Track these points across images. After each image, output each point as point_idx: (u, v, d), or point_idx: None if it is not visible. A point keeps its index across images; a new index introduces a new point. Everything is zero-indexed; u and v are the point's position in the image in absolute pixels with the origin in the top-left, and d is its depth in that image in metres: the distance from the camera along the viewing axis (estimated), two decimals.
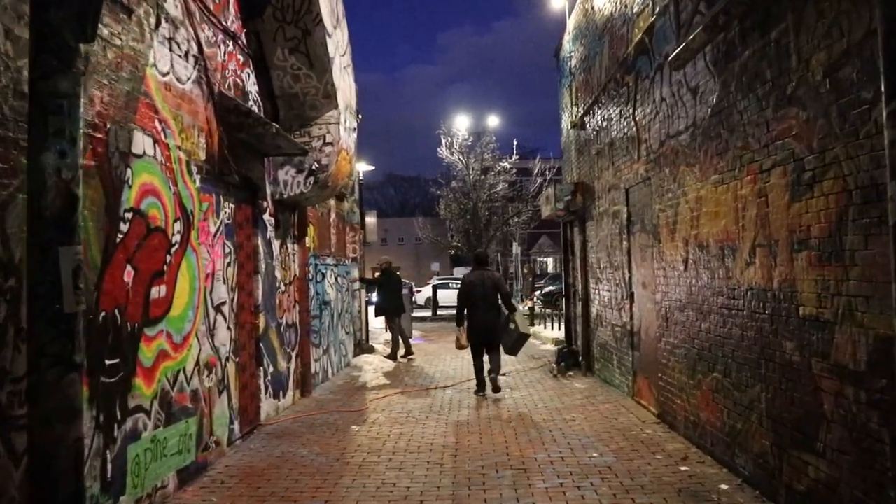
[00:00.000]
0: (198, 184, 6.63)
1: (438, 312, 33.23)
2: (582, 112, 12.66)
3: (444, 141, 36.20)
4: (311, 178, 9.30)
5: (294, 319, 10.41)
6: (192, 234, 6.45)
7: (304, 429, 8.57)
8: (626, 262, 9.78)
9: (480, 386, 10.64)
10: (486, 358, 10.75)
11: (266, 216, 9.05)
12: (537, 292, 34.02)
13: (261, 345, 8.68)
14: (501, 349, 10.87)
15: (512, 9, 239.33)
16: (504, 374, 12.48)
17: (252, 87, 8.63)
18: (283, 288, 9.79)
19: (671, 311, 7.72)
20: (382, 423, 8.83)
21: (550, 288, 36.90)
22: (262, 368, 8.69)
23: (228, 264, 7.64)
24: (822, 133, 4.46)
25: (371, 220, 22.08)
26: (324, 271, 12.50)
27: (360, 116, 16.31)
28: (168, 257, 5.89)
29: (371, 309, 18.27)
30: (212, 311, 6.97)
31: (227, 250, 7.57)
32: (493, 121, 37.61)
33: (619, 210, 10.14)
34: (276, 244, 9.47)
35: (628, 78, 9.36)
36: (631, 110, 9.28)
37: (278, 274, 9.55)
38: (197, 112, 6.68)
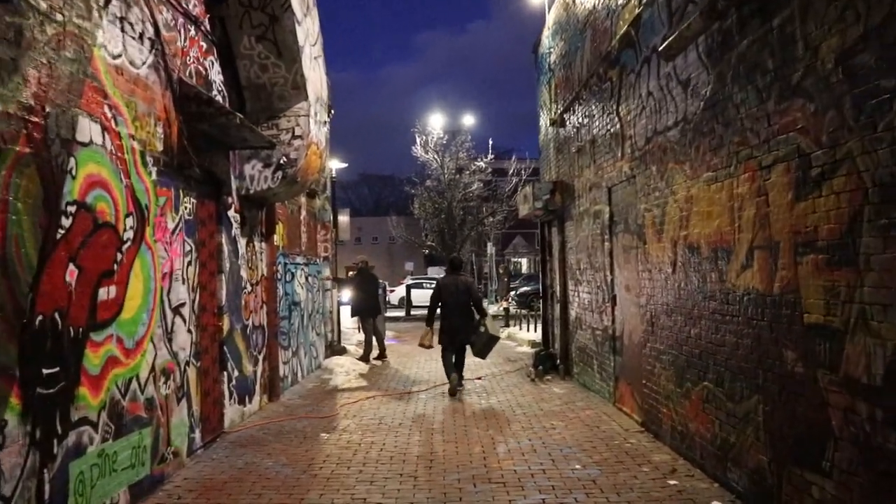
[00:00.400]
0: (154, 176, 6.15)
1: (412, 312, 32.77)
2: (562, 109, 12.31)
3: (418, 139, 35.78)
4: (279, 173, 8.83)
5: (261, 321, 9.93)
6: (148, 231, 5.97)
7: (270, 437, 8.10)
8: (607, 263, 9.43)
9: (452, 382, 10.81)
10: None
11: (231, 213, 8.57)
12: (512, 293, 33.69)
13: (225, 348, 8.21)
14: (469, 350, 11.23)
15: (486, 11, 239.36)
16: (480, 378, 12.13)
17: (216, 76, 8.14)
18: (249, 288, 9.31)
19: (657, 315, 7.37)
20: (353, 430, 8.39)
21: (525, 288, 36.63)
22: (226, 373, 8.22)
23: (189, 263, 7.16)
24: (833, 126, 4.11)
25: (344, 218, 21.56)
26: (293, 270, 12.02)
27: (332, 112, 15.86)
28: (119, 255, 5.41)
29: (344, 309, 17.81)
30: (169, 313, 6.49)
31: (187, 248, 7.09)
32: (468, 120, 37.25)
33: (600, 210, 9.79)
34: (241, 242, 8.99)
35: (612, 73, 9.01)
36: (614, 106, 8.92)
37: (244, 273, 9.08)
38: (153, 99, 6.19)
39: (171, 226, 6.54)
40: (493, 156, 37.34)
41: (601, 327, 9.86)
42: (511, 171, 37.39)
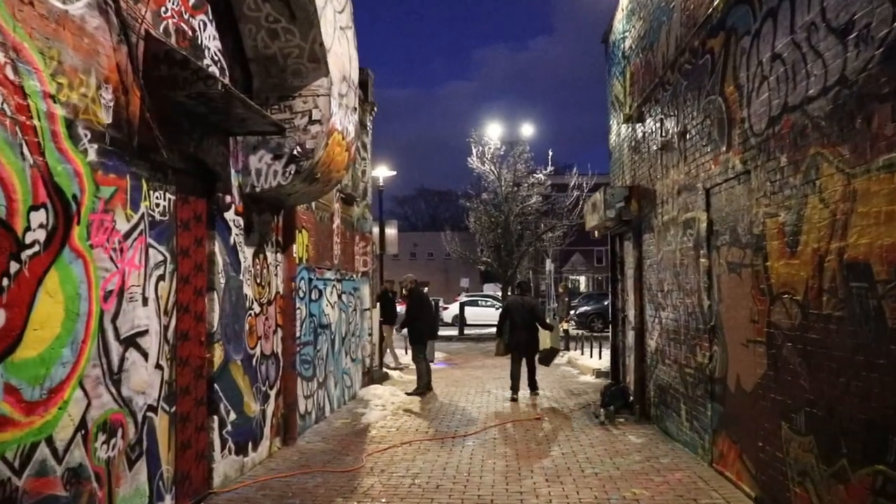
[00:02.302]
0: (92, 157, 4.45)
1: (466, 331, 30.90)
2: (640, 100, 10.36)
3: (474, 150, 33.96)
4: (292, 167, 7.11)
5: (274, 349, 8.21)
6: (77, 232, 4.25)
7: (270, 501, 6.34)
8: (703, 285, 7.44)
9: (514, 390, 12.13)
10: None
11: (230, 215, 6.88)
12: (571, 312, 31.55)
13: (216, 386, 6.49)
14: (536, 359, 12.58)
15: (549, 27, 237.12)
16: (539, 418, 10.22)
17: (210, 41, 6.46)
18: (257, 309, 7.60)
19: (788, 357, 5.36)
20: (377, 495, 6.55)
21: (585, 308, 34.53)
22: (216, 417, 6.49)
23: (159, 278, 5.45)
24: None
25: (392, 231, 19.95)
26: (321, 287, 10.29)
27: (375, 109, 14.19)
28: (13, 265, 3.69)
29: (381, 327, 15.91)
30: (117, 346, 4.76)
31: (156, 258, 5.39)
32: (527, 130, 35.27)
33: (694, 218, 7.81)
34: (246, 252, 7.29)
35: (712, 42, 7.07)
36: (716, 85, 6.97)
37: (249, 291, 7.36)
38: (95, 52, 4.51)
39: (122, 227, 4.83)
40: (552, 168, 35.33)
41: (693, 364, 7.85)
42: (572, 185, 35.25)
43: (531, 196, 34.11)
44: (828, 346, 4.74)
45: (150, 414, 5.24)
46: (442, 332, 31.26)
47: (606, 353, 16.52)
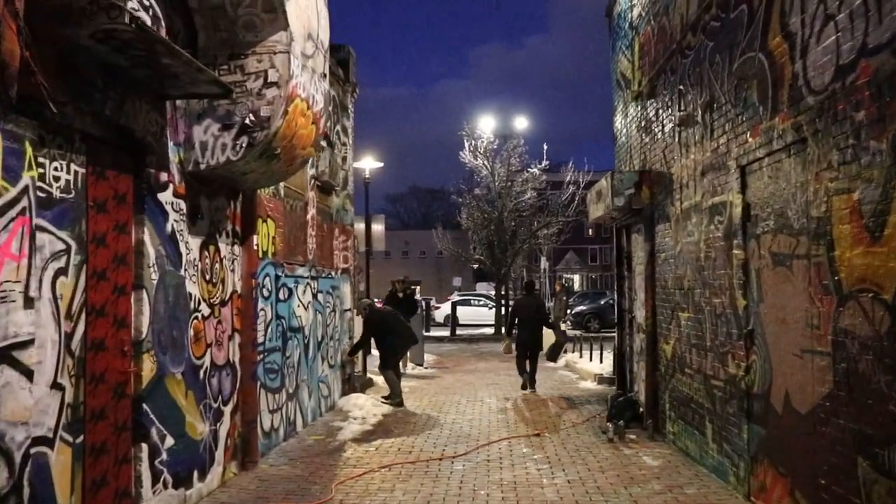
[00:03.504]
0: None
1: (458, 332, 29.68)
2: (652, 74, 9.18)
3: (467, 144, 32.67)
4: (244, 139, 5.87)
5: (230, 357, 6.98)
6: None
7: None
8: (737, 281, 6.24)
9: (523, 377, 12.82)
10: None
11: (167, 196, 5.64)
12: (568, 311, 30.35)
13: (145, 406, 5.25)
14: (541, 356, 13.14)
15: (544, 26, 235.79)
16: (539, 434, 9.02)
17: None
18: (205, 311, 6.37)
19: (868, 373, 4.16)
20: None
21: (581, 308, 33.38)
22: (145, 445, 5.25)
23: (59, 272, 4.23)
24: None
25: (379, 227, 18.65)
26: (291, 286, 9.06)
27: (356, 92, 12.96)
28: None
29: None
30: None
31: (52, 247, 4.16)
32: (521, 123, 34.02)
33: (723, 202, 6.62)
34: (190, 242, 6.06)
35: None
36: (755, 39, 5.78)
37: (195, 289, 6.13)
38: None
39: None
40: (547, 162, 34.09)
41: (722, 376, 6.65)
42: (568, 179, 33.99)
43: (525, 191, 32.86)
44: None
45: (38, 449, 4.00)
46: (434, 332, 30.13)
47: (608, 356, 15.36)
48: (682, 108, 7.90)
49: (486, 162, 32.62)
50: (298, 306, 9.33)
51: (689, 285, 7.72)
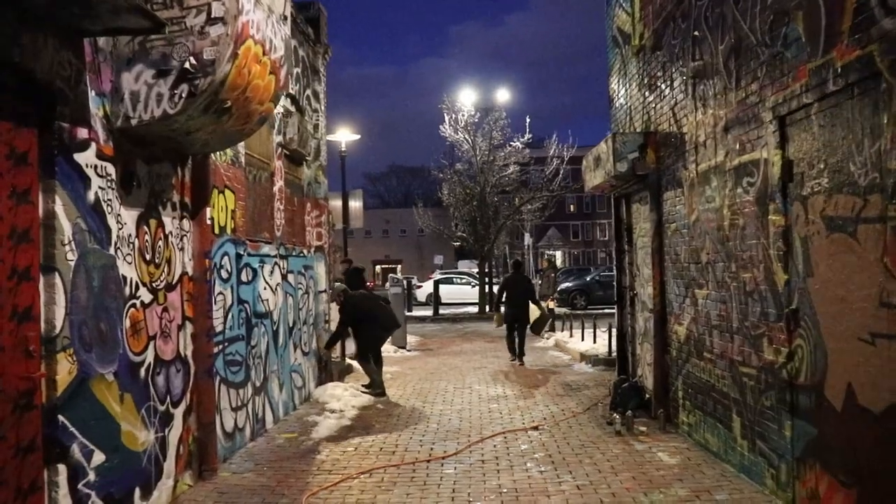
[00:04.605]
0: None
1: (441, 312, 28.75)
2: (658, 23, 8.18)
3: (447, 117, 31.50)
4: (184, 88, 4.81)
5: (180, 350, 5.96)
6: None
7: None
8: (776, 252, 5.29)
9: (512, 353, 13.70)
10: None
11: (87, 157, 4.58)
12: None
13: (61, 418, 4.23)
14: (528, 329, 13.99)
15: (525, 3, 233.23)
16: (537, 428, 8.10)
17: None
18: (146, 297, 5.34)
19: None
20: None
21: (567, 284, 32.55)
22: (62, 467, 4.23)
23: None
24: None
25: (356, 203, 17.52)
26: (256, 266, 8.03)
27: (329, 53, 11.86)
28: None
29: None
30: None
31: None
32: (502, 95, 32.89)
33: (755, 161, 5.65)
34: (122, 215, 5.01)
35: None
36: None
37: (130, 272, 5.09)
38: None
39: None
40: (530, 135, 33.02)
41: (755, 363, 5.72)
42: (551, 153, 32.99)
43: (508, 166, 31.82)
44: None
45: None
46: (416, 312, 29.18)
47: (601, 335, 14.48)
48: (698, 57, 6.92)
49: (467, 136, 31.54)
50: (265, 289, 8.30)
51: (708, 258, 6.78)
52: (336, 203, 15.59)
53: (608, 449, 7.11)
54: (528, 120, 32.11)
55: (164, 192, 5.71)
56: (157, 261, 5.55)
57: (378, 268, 76.04)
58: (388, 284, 19.02)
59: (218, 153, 6.88)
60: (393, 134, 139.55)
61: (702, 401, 7.02)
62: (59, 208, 4.23)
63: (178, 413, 5.91)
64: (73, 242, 4.36)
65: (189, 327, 6.13)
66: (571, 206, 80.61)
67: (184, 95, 4.78)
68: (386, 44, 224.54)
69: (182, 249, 6.05)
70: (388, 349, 13.71)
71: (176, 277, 5.91)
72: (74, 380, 4.34)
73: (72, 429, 4.31)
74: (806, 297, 4.93)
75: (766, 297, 5.49)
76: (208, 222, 6.36)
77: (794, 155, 5.08)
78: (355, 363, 12.70)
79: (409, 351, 16.11)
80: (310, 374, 10.28)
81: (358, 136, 18.29)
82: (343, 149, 17.56)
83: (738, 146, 6.00)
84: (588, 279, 33.15)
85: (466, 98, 31.42)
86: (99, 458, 4.59)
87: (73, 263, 4.36)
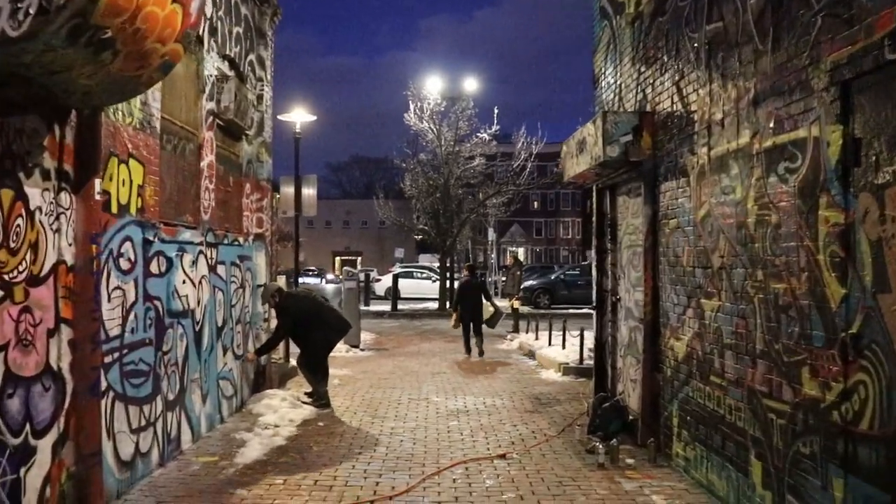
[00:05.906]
0: None
1: (399, 307, 27.43)
2: None
3: (412, 106, 30.10)
4: (33, 2, 3.42)
5: (50, 362, 4.56)
6: None
7: None
8: (827, 259, 4.07)
9: (468, 351, 14.38)
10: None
11: None
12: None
13: None
14: (483, 327, 14.51)
15: None
16: (504, 456, 6.82)
17: None
18: None
19: None
20: None
21: (530, 282, 31.36)
22: None
23: None
24: None
25: (310, 191, 16.00)
26: (172, 255, 6.62)
27: (278, 14, 10.43)
28: None
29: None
30: None
31: None
32: (470, 85, 31.57)
33: (799, 141, 4.42)
34: None
35: None
36: None
37: None
38: None
39: None
40: (498, 127, 31.80)
41: (789, 398, 4.50)
42: (520, 146, 31.76)
43: (474, 157, 30.53)
44: None
45: None
46: (373, 307, 27.82)
47: (571, 339, 13.23)
48: (714, 18, 5.69)
49: (432, 125, 30.18)
50: (184, 282, 6.90)
51: (722, 262, 5.56)
52: (288, 189, 14.17)
53: (591, 488, 5.87)
54: (496, 110, 30.91)
55: (27, 157, 4.31)
56: (12, 246, 4.15)
57: (338, 259, 74.66)
58: (341, 277, 17.68)
59: (120, 113, 5.48)
60: (358, 125, 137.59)
61: (705, 433, 5.81)
62: None
63: (45, 445, 4.52)
64: None
65: (66, 332, 4.74)
66: (535, 203, 79.70)
67: (31, 11, 3.38)
68: (355, 34, 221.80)
69: (58, 231, 4.65)
70: (339, 348, 12.36)
71: (45, 268, 4.51)
72: None
73: None
74: (875, 320, 3.71)
75: (810, 315, 4.27)
76: (97, 198, 4.96)
77: (861, 132, 3.87)
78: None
79: (362, 350, 14.80)
80: (243, 381, 8.90)
81: (314, 118, 16.76)
82: (297, 130, 16.06)
83: (772, 123, 4.77)
84: (553, 278, 32.09)
85: (433, 86, 30.05)
86: None
87: None
